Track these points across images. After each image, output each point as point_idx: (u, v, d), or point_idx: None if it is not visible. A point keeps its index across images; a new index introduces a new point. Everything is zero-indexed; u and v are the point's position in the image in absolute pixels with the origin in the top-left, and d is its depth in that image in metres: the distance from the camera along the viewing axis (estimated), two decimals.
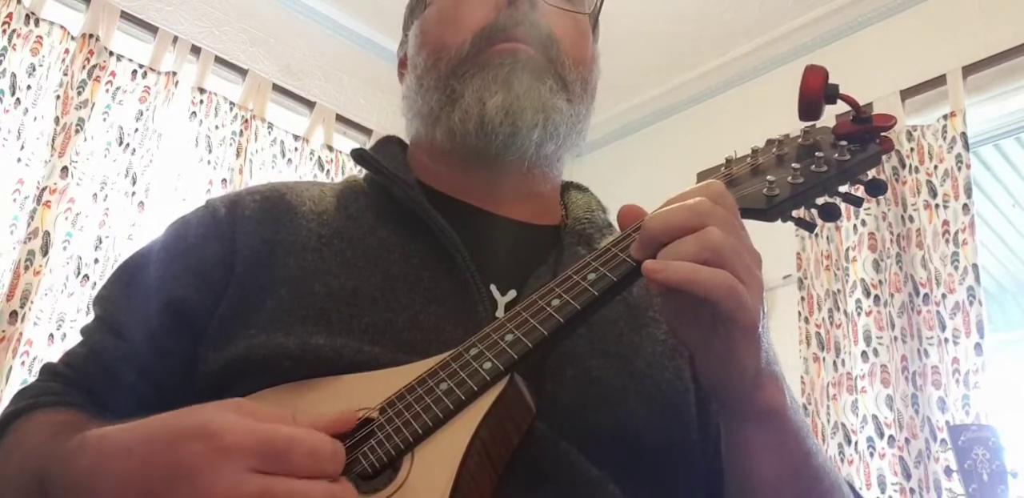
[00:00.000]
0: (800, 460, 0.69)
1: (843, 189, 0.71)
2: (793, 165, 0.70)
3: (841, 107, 0.73)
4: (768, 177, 0.70)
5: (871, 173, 0.71)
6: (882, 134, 0.70)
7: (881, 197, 2.49)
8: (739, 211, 0.66)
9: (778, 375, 0.67)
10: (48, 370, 0.83)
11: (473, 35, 0.86)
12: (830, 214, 0.70)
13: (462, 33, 0.87)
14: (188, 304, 0.79)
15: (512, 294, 0.79)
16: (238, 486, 0.52)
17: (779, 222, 0.72)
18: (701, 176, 0.76)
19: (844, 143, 0.70)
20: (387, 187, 0.86)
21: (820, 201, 0.71)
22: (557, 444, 0.70)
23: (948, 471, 2.08)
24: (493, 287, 0.79)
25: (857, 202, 0.70)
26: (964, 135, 2.42)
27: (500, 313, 0.77)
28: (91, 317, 0.86)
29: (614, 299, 0.67)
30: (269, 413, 0.57)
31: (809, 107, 0.70)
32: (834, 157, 0.70)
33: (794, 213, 0.71)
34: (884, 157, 0.77)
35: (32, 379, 2.24)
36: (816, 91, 0.69)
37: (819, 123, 0.74)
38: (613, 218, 0.89)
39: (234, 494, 0.52)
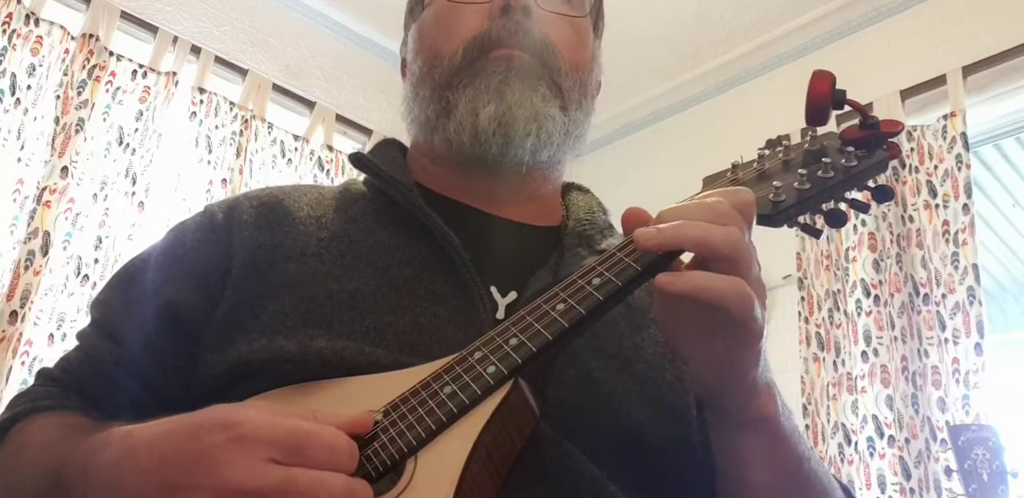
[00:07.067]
0: (793, 466, 0.70)
1: (850, 195, 0.71)
2: (800, 171, 0.70)
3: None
4: (774, 183, 0.69)
5: (879, 179, 0.70)
6: (889, 140, 0.70)
7: None
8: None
9: (771, 383, 0.68)
10: (44, 375, 0.83)
11: (465, 45, 0.86)
12: (836, 220, 0.70)
13: (454, 42, 0.87)
14: (183, 307, 0.80)
15: (513, 296, 0.80)
16: (258, 475, 0.53)
17: (784, 228, 0.72)
18: (707, 181, 0.76)
19: (851, 149, 0.70)
20: (385, 190, 0.86)
21: (826, 207, 0.71)
22: (559, 445, 0.70)
23: (948, 471, 2.09)
24: (493, 289, 0.80)
25: (864, 208, 0.70)
26: (964, 135, 2.42)
27: (500, 315, 0.78)
28: (87, 321, 0.86)
29: (619, 303, 0.67)
30: (288, 410, 0.58)
31: (816, 112, 0.69)
32: (841, 163, 0.69)
33: (800, 219, 0.71)
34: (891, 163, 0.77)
35: (32, 380, 2.25)
36: (823, 96, 0.68)
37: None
38: (613, 219, 0.89)
39: (255, 483, 0.53)
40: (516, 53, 0.85)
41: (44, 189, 2.35)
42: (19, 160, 2.37)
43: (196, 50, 2.84)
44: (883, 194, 0.69)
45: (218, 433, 0.55)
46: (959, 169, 2.40)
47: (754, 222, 0.65)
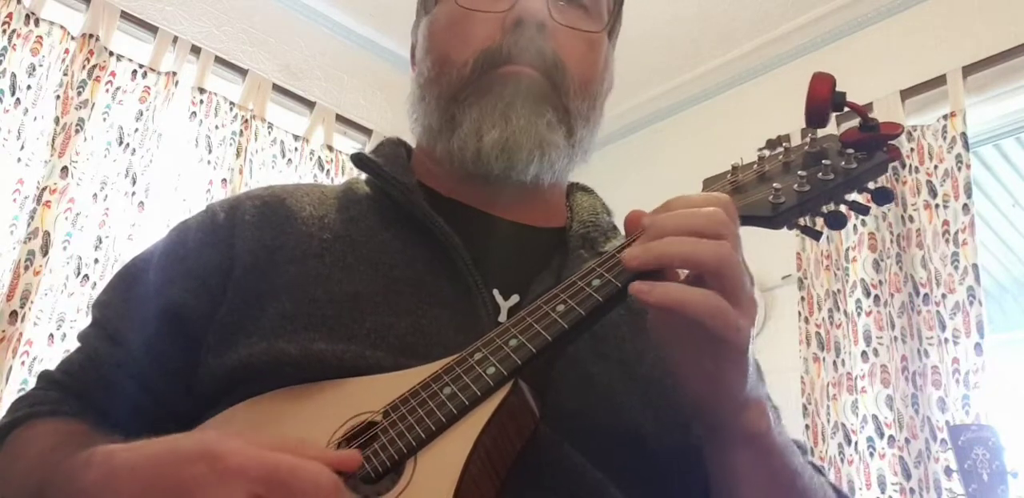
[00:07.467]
0: (786, 482, 0.69)
1: (850, 197, 0.71)
2: (799, 173, 0.70)
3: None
4: (774, 184, 0.69)
5: (879, 181, 0.70)
6: (889, 142, 0.70)
7: None
8: (742, 220, 0.66)
9: (762, 397, 0.67)
10: (45, 378, 0.83)
11: (475, 57, 0.85)
12: (836, 222, 0.70)
13: (465, 52, 0.85)
14: (185, 309, 0.79)
15: (515, 299, 0.79)
16: None
17: (784, 229, 0.72)
18: (707, 182, 0.76)
19: (851, 151, 0.70)
20: (387, 190, 0.86)
21: (826, 209, 0.71)
22: (560, 447, 0.70)
23: (948, 471, 2.08)
24: (496, 291, 0.79)
25: (864, 210, 0.70)
26: (964, 135, 2.42)
27: (503, 318, 0.77)
28: (89, 322, 0.86)
29: (619, 305, 0.67)
30: (275, 442, 0.57)
31: (816, 115, 0.69)
32: (841, 165, 0.69)
33: (800, 221, 0.71)
34: (891, 165, 0.78)
35: (32, 380, 2.26)
36: (823, 99, 0.69)
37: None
38: (617, 220, 0.89)
39: None
40: (526, 71, 0.83)
41: (44, 189, 2.35)
42: (19, 160, 2.38)
43: (196, 50, 2.84)
44: (883, 196, 0.69)
45: (201, 464, 0.54)
46: (959, 169, 2.40)
47: (738, 223, 0.65)
